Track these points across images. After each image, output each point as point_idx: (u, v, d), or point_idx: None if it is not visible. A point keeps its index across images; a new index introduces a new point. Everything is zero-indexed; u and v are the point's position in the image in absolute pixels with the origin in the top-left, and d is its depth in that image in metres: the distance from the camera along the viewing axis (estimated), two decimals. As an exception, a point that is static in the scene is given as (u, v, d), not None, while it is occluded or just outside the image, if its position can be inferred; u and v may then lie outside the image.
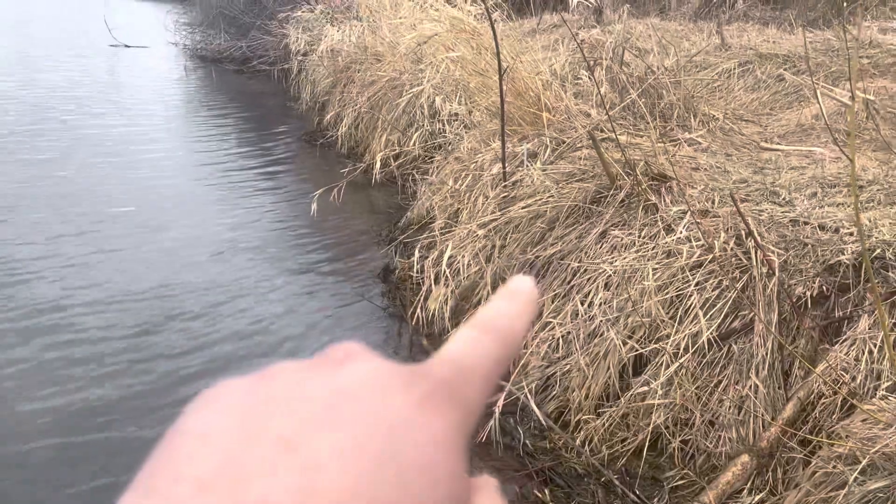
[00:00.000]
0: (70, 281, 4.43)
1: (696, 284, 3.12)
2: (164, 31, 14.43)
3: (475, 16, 6.56)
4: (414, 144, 6.33)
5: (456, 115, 6.21)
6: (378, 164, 6.12)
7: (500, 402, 2.99)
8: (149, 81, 11.44)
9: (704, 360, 2.95)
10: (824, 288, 2.96)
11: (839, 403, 2.63)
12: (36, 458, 3.02)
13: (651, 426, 2.90)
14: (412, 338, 4.04)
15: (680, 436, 2.91)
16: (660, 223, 3.47)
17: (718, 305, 3.05)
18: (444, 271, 4.02)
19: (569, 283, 3.51)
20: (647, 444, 2.91)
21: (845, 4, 6.86)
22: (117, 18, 15.38)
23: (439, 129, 6.31)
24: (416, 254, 4.39)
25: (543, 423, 3.12)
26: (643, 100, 4.79)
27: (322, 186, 4.93)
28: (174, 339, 3.92)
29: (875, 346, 2.69)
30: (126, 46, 13.85)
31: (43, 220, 5.34)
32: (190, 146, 8.16)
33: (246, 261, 4.98)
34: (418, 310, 4.02)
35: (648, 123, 4.41)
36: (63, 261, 4.70)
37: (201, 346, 3.88)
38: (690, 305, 3.06)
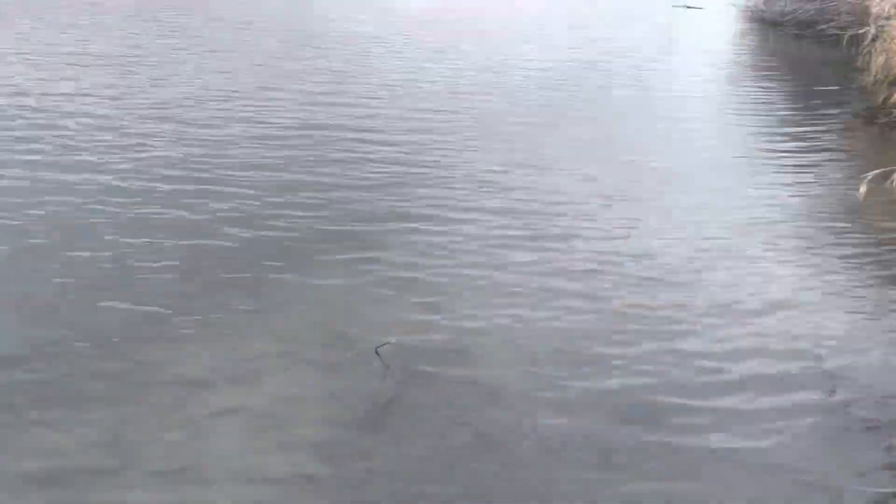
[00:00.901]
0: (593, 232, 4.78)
1: None
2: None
3: None
4: None
5: None
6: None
7: None
8: (700, 43, 11.47)
9: None
10: None
11: None
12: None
13: None
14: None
15: None
16: None
17: None
18: None
19: None
20: None
21: None
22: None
23: None
24: None
25: None
26: None
27: (875, 170, 4.24)
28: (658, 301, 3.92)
29: None
30: (687, 7, 14.11)
31: (581, 163, 5.85)
32: (728, 110, 7.94)
33: (761, 242, 4.66)
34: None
35: None
36: (608, 212, 5.08)
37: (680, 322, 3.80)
38: None
